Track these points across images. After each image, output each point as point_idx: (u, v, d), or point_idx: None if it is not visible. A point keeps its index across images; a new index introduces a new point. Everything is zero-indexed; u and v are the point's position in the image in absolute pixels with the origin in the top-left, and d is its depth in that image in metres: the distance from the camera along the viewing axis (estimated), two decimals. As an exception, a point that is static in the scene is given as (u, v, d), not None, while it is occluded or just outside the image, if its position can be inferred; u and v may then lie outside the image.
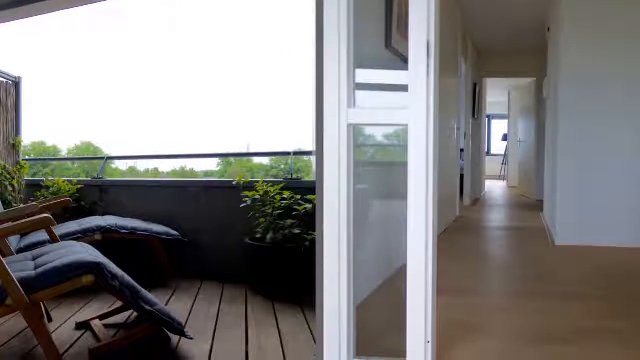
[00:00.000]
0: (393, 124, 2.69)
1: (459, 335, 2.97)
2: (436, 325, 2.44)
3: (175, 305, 4.51)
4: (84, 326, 3.86)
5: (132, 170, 7.79)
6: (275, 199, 5.03)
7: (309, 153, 6.00)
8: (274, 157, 7.21)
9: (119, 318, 4.05)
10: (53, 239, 4.14)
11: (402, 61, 3.36)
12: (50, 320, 3.97)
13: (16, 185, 6.22)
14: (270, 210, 4.99)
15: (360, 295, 2.64)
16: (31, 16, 5.88)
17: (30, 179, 6.65)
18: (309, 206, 4.85)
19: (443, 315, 2.70)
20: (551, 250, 5.59)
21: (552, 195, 6.39)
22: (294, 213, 4.91)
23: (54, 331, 3.74)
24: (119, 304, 4.10)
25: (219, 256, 5.55)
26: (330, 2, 2.36)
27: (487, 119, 14.89)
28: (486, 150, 14.67)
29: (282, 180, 5.43)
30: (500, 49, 10.80)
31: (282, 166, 6.92)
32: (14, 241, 4.58)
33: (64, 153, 8.85)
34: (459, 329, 3.08)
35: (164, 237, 5.38)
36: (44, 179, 6.35)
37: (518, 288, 4.27)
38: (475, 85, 10.20)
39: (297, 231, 4.76)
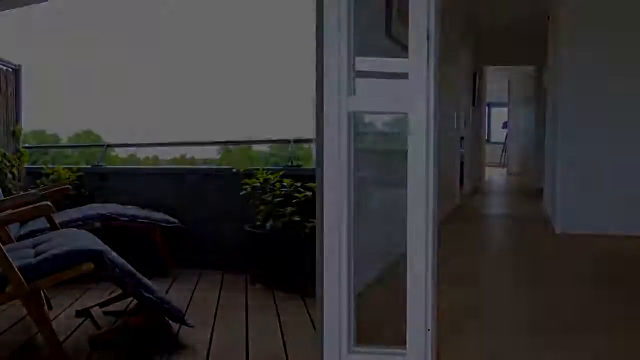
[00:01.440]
0: (393, 111, 2.68)
1: (459, 324, 2.98)
2: (436, 313, 2.44)
3: (175, 293, 4.52)
4: (83, 314, 3.86)
5: (132, 157, 7.77)
6: (275, 186, 5.02)
7: (309, 141, 5.98)
8: (274, 145, 7.19)
9: (119, 306, 4.06)
10: (53, 227, 4.14)
11: (402, 49, 3.34)
12: (50, 307, 3.97)
13: (16, 173, 6.20)
14: (270, 198, 4.98)
15: (360, 284, 2.64)
16: (28, 5, 5.85)
17: (30, 166, 6.62)
18: (309, 194, 4.84)
19: (443, 303, 2.71)
20: (551, 238, 5.60)
21: (552, 183, 6.39)
22: (294, 200, 4.90)
23: (53, 319, 3.73)
24: (118, 291, 4.10)
25: (218, 244, 5.54)
26: (330, -10, 2.34)
27: (487, 107, 14.85)
28: (486, 138, 14.66)
29: (282, 167, 5.42)
30: (501, 37, 10.74)
31: (282, 154, 6.90)
32: (13, 229, 4.57)
33: (64, 141, 8.81)
34: (459, 318, 3.09)
35: (164, 224, 5.38)
36: (44, 166, 6.33)
37: (518, 276, 4.28)
38: (475, 73, 10.17)
39: (297, 219, 4.75)
